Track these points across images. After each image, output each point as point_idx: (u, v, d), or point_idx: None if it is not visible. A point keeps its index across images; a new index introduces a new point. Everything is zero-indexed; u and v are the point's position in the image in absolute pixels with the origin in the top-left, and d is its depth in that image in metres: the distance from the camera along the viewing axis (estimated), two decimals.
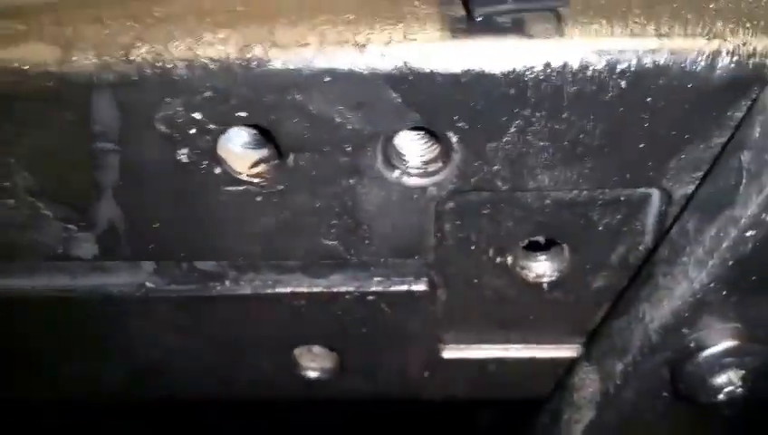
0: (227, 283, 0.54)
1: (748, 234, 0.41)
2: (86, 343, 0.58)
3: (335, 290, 0.53)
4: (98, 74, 0.42)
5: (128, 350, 0.58)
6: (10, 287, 0.55)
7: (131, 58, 0.41)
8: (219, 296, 0.54)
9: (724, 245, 0.42)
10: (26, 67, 0.42)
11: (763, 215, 0.40)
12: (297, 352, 0.59)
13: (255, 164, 0.48)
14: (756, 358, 0.49)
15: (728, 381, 0.50)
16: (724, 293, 0.44)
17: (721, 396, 0.50)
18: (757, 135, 0.40)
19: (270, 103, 0.42)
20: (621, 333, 0.50)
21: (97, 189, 0.48)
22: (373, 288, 0.53)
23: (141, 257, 0.52)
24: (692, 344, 0.48)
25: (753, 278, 0.44)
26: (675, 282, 0.45)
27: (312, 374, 0.60)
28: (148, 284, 0.54)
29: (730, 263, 0.42)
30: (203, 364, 0.59)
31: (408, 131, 0.45)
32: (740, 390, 0.50)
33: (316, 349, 0.60)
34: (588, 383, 0.53)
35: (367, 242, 0.50)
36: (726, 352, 0.49)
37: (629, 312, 0.50)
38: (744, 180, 0.40)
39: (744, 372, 0.49)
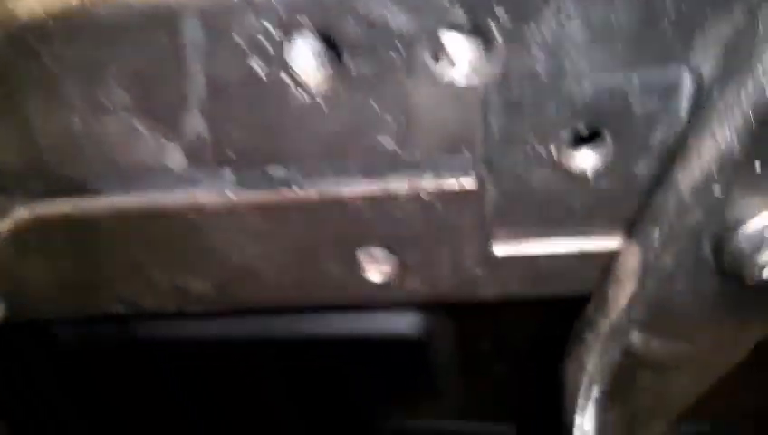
0: (296, 188, 0.60)
1: (765, 81, 0.45)
2: (175, 253, 0.66)
3: (390, 189, 0.59)
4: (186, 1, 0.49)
5: (212, 259, 0.65)
6: (107, 204, 0.63)
7: None
8: (289, 202, 0.61)
9: (743, 95, 0.46)
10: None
11: None
12: (360, 254, 0.65)
13: (320, 79, 0.54)
14: None
15: None
16: (748, 146, 0.47)
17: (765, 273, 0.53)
18: None
19: (331, 11, 0.49)
20: (658, 203, 0.54)
21: (184, 103, 0.55)
22: (425, 185, 0.59)
23: (221, 166, 0.59)
24: (731, 218, 0.52)
25: None
26: (701, 142, 0.49)
27: (375, 277, 0.66)
28: (228, 192, 0.61)
29: (751, 115, 0.46)
30: (279, 270, 0.66)
31: (454, 33, 0.51)
32: None
33: (377, 253, 0.66)
34: (629, 258, 0.57)
35: (419, 139, 0.56)
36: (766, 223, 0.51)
37: (665, 182, 0.54)
38: (760, 33, 0.44)
39: None
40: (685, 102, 0.53)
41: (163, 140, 0.57)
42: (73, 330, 1.19)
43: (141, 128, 0.57)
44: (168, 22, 0.51)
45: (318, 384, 1.24)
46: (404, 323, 1.11)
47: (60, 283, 0.70)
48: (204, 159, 0.58)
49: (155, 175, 0.60)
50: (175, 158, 0.58)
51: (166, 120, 0.56)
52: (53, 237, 0.66)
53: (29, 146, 0.59)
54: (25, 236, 0.66)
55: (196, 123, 0.56)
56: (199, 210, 0.62)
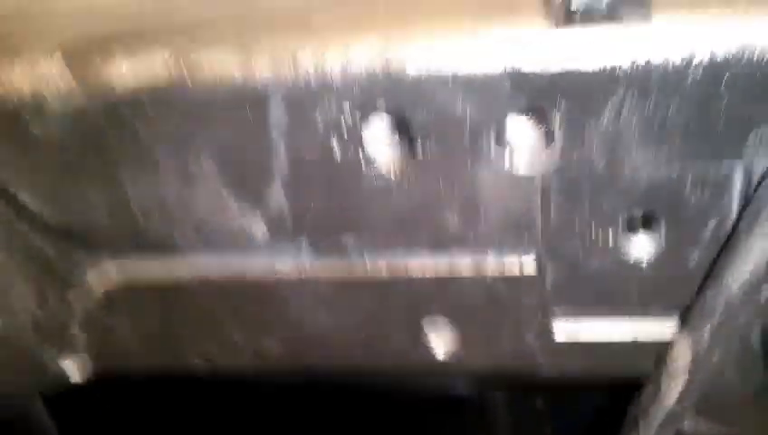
0: (367, 263, 0.64)
1: None
2: (253, 317, 0.71)
3: (455, 267, 0.63)
4: (273, 83, 0.55)
5: (287, 324, 0.70)
6: (193, 267, 0.68)
7: (299, 69, 0.54)
8: (360, 273, 0.65)
9: None
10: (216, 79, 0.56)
11: None
12: (425, 327, 0.68)
13: (392, 160, 0.59)
14: None
15: None
16: None
17: None
18: None
19: (406, 100, 0.54)
20: (710, 300, 0.56)
21: (268, 177, 0.60)
22: (488, 265, 0.62)
23: (299, 235, 0.64)
24: None
25: None
26: (753, 241, 0.51)
27: (438, 349, 0.69)
28: (304, 261, 0.65)
29: None
30: (348, 337, 0.70)
31: (517, 123, 0.55)
32: None
33: (441, 326, 0.69)
34: (681, 352, 0.58)
35: (482, 223, 0.60)
36: None
37: (717, 279, 0.55)
38: None
39: None
40: (735, 196, 0.55)
41: (248, 210, 0.62)
42: None
43: (228, 198, 0.62)
44: (255, 101, 0.56)
45: None
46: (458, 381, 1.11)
47: (145, 341, 0.75)
48: (283, 229, 0.63)
49: (238, 242, 0.65)
50: (257, 227, 0.63)
51: (251, 191, 0.61)
52: (141, 297, 0.72)
53: (121, 208, 0.64)
54: (115, 295, 0.72)
55: (278, 196, 0.61)
56: (277, 277, 0.67)
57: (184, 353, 0.75)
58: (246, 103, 0.56)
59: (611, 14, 0.49)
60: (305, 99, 0.55)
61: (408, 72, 0.53)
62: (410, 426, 1.19)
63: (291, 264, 0.66)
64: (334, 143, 0.57)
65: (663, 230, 0.59)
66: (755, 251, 0.51)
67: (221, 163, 0.60)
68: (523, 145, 0.56)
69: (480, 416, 1.13)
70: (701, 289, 0.59)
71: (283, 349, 0.72)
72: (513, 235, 0.60)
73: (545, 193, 0.57)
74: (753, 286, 0.52)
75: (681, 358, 0.59)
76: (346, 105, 0.55)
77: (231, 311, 0.71)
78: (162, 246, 0.67)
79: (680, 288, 0.61)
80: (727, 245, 0.55)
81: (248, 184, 0.61)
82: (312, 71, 0.54)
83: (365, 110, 0.55)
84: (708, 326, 0.55)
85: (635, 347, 0.65)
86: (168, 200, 0.63)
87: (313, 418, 1.23)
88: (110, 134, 0.60)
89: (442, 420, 1.15)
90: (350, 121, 0.56)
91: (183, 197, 0.63)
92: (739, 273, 0.52)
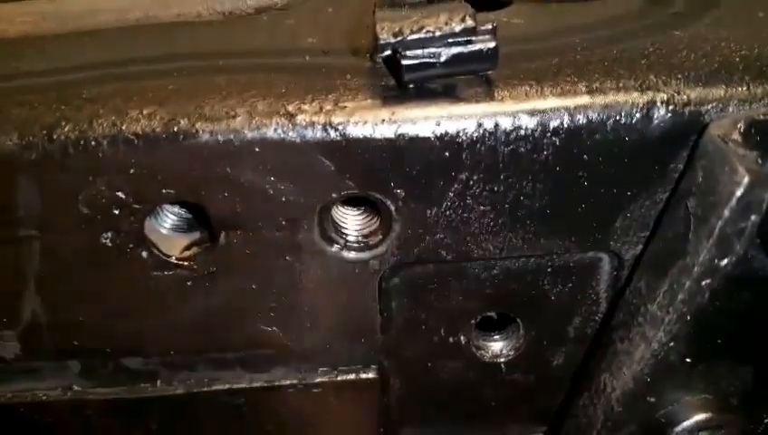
0: (159, 383, 0.50)
1: (703, 283, 0.39)
2: None
3: (277, 383, 0.50)
4: (20, 154, 0.40)
5: None
6: None
7: (54, 137, 0.40)
8: (151, 398, 0.50)
9: (679, 298, 0.39)
10: None
11: (716, 260, 0.38)
12: None
13: (186, 248, 0.46)
14: (731, 429, 0.46)
15: None
16: (685, 352, 0.41)
17: None
18: (700, 179, 0.39)
19: (199, 178, 0.41)
20: (585, 410, 0.47)
21: (19, 281, 0.45)
22: (318, 379, 0.50)
23: (65, 356, 0.48)
24: (662, 419, 0.45)
25: (714, 335, 0.42)
26: (633, 346, 0.42)
27: None
28: (75, 386, 0.50)
29: (687, 317, 0.40)
30: None
31: (346, 209, 0.44)
32: None
33: None
34: None
35: (308, 326, 0.47)
36: (698, 426, 0.45)
37: (591, 386, 0.46)
38: (692, 227, 0.39)
39: None
40: (603, 288, 0.47)
41: None
42: None
43: None
44: None
45: None
46: None
47: None
48: (43, 347, 0.47)
49: None
50: (7, 345, 0.47)
51: None
52: None
53: None
54: None
55: (32, 304, 0.45)
56: (38, 406, 0.50)
57: None
58: None
59: (448, 92, 0.41)
60: (63, 181, 0.41)
61: (203, 145, 0.40)
62: None
63: (55, 388, 0.50)
64: (107, 239, 0.43)
65: (522, 330, 0.49)
66: (636, 357, 0.42)
67: None
68: (354, 235, 0.45)
69: None
70: (571, 396, 0.49)
71: None
72: (348, 342, 0.48)
73: (384, 289, 0.46)
74: (637, 397, 0.43)
75: None
76: (120, 193, 0.41)
77: None
78: None
79: (546, 394, 0.52)
80: (599, 345, 0.47)
81: None
82: (72, 145, 0.40)
83: (148, 197, 0.41)
84: None
85: None
86: None
87: None
88: None
89: None
90: (126, 208, 0.42)
91: None
92: (621, 382, 0.43)
